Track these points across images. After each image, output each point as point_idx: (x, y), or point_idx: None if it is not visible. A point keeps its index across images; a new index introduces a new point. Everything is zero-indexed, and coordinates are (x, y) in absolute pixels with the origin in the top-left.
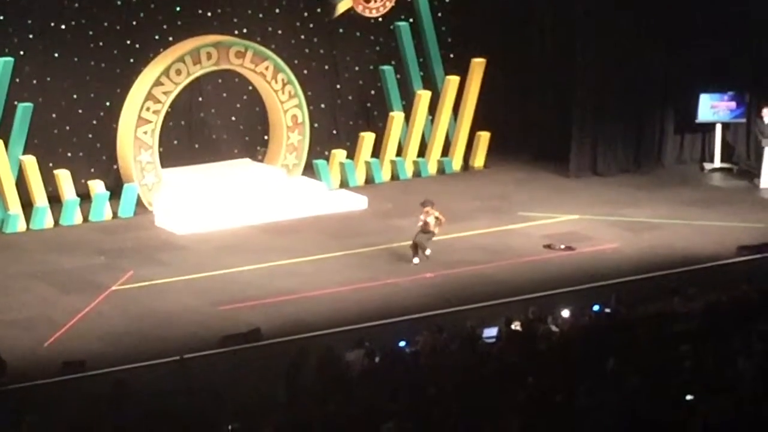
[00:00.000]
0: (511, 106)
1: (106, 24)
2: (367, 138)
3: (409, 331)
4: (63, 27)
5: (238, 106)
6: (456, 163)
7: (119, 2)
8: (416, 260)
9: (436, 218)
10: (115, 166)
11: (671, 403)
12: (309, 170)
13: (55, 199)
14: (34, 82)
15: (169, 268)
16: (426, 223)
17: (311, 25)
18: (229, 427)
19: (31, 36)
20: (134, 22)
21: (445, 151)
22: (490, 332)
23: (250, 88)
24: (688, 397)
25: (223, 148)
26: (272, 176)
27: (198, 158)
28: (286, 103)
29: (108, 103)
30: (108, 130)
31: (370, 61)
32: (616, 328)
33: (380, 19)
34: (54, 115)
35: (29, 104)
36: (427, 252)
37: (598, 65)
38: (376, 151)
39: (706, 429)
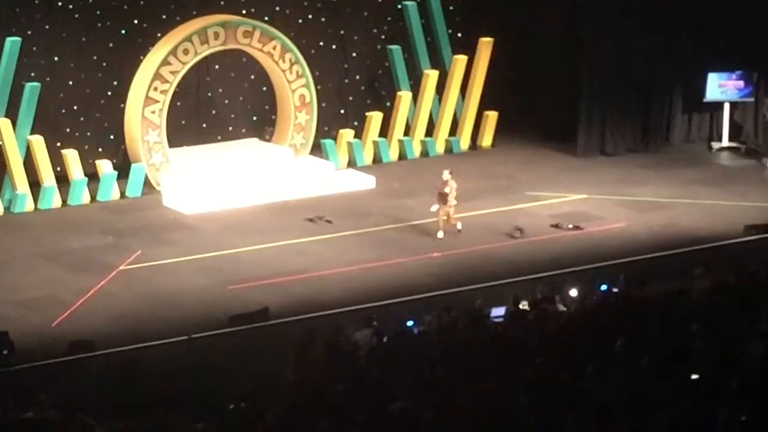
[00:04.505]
0: (518, 85)
1: (113, 3)
2: (375, 117)
3: (417, 311)
4: (70, 7)
5: (246, 85)
6: (464, 142)
7: None
8: (440, 234)
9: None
10: (122, 146)
11: (679, 382)
12: (317, 150)
13: (62, 179)
14: (42, 62)
15: (177, 248)
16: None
17: (319, 5)
18: (236, 406)
19: (38, 16)
20: (141, 2)
21: (453, 130)
22: (498, 312)
23: (258, 67)
24: (694, 377)
25: (230, 127)
26: (280, 156)
27: (206, 138)
28: (294, 83)
29: (116, 83)
30: (116, 110)
31: (378, 40)
32: (624, 307)
33: None
34: (61, 95)
35: (37, 84)
36: (439, 234)
37: (605, 45)
38: (384, 131)
39: (713, 408)
